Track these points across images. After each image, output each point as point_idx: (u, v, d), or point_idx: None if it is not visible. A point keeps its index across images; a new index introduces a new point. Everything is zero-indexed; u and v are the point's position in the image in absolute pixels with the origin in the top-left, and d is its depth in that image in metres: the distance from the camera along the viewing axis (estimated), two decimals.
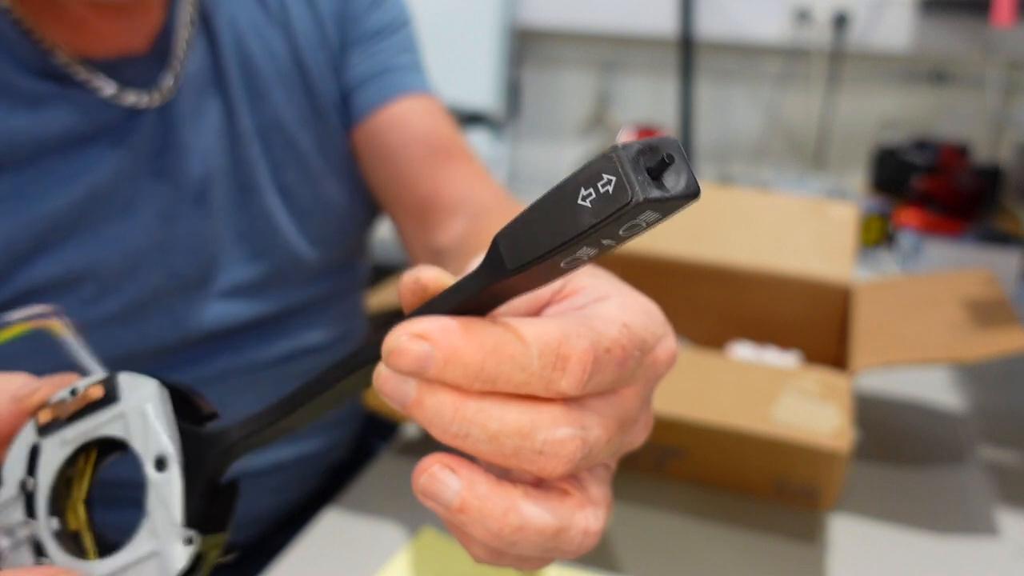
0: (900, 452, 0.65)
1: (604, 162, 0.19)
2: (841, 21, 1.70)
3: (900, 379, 0.75)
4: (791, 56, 1.75)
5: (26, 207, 0.47)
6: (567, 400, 0.24)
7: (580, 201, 0.20)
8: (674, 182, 0.20)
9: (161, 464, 0.28)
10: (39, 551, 0.28)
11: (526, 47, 1.91)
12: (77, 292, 0.49)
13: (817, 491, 0.56)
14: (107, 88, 0.48)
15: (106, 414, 0.29)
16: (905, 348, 0.58)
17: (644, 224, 0.20)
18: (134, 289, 0.51)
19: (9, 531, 0.28)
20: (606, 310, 0.26)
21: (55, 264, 0.48)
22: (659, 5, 1.77)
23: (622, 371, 0.25)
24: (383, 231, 0.67)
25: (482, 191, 0.61)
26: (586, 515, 0.25)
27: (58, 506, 0.29)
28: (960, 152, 1.42)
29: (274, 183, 0.57)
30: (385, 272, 0.77)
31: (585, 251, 0.21)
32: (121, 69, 0.50)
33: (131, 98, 0.49)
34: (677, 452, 0.59)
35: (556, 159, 1.92)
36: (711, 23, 1.76)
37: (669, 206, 0.20)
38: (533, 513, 0.24)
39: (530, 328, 0.23)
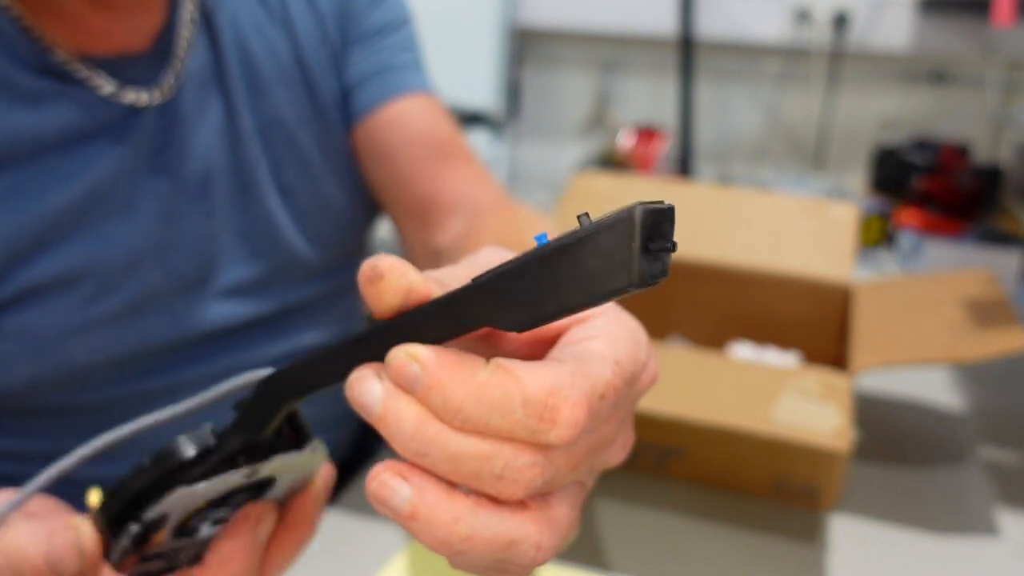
0: (900, 452, 0.65)
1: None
2: (841, 21, 1.70)
3: (900, 379, 0.75)
4: (791, 56, 1.75)
5: (26, 205, 0.47)
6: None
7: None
8: (661, 264, 0.20)
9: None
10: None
11: (526, 47, 1.91)
12: (78, 290, 0.49)
13: (817, 491, 0.56)
14: (107, 86, 0.48)
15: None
16: (905, 348, 0.58)
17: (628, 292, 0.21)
18: (135, 288, 0.51)
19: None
20: (598, 347, 0.25)
21: (56, 262, 0.48)
22: (659, 5, 1.77)
23: (613, 411, 0.25)
24: (383, 231, 0.67)
25: (482, 191, 0.61)
26: (540, 530, 0.24)
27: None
28: (960, 152, 1.42)
29: (274, 182, 0.57)
30: None
31: (580, 307, 0.21)
32: (122, 67, 0.50)
33: (131, 96, 0.49)
34: (677, 452, 0.59)
35: (556, 159, 1.92)
36: (711, 23, 1.76)
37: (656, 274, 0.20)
38: (483, 524, 0.23)
39: (522, 374, 0.23)
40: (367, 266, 0.25)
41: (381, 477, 0.24)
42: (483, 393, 0.23)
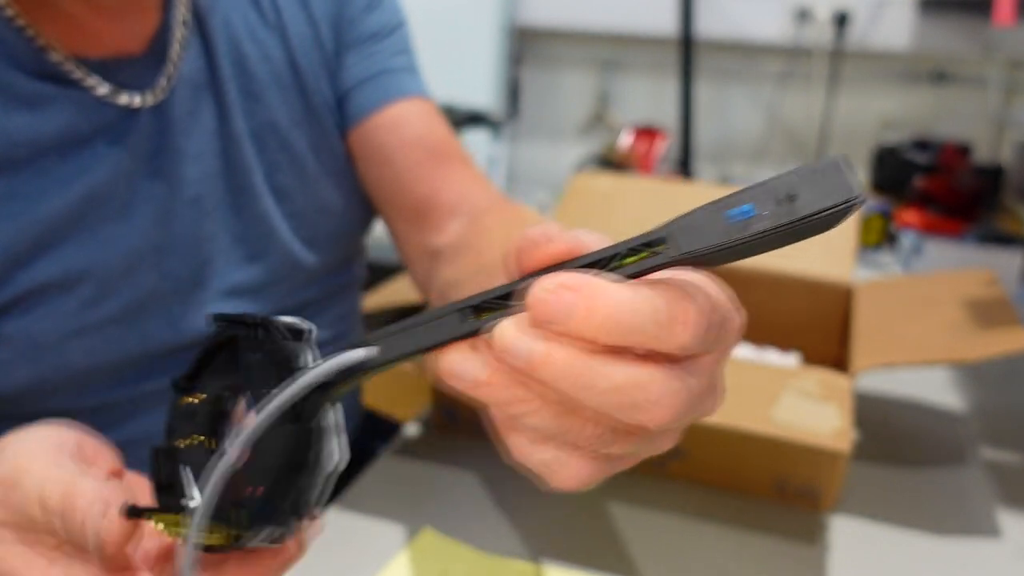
0: (900, 452, 0.65)
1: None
2: (842, 20, 1.69)
3: (900, 379, 0.75)
4: (791, 56, 1.75)
5: (25, 209, 0.46)
6: (671, 359, 0.24)
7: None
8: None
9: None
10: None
11: (526, 46, 1.91)
12: (77, 294, 0.49)
13: (817, 491, 0.56)
14: (101, 88, 0.48)
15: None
16: (906, 349, 0.58)
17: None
18: (133, 290, 0.51)
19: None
20: (695, 278, 0.26)
21: (55, 266, 0.48)
22: (659, 5, 1.77)
23: (720, 333, 0.25)
24: (378, 232, 0.67)
25: (479, 193, 0.61)
26: (671, 383, 0.24)
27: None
28: (961, 152, 1.42)
29: (268, 185, 0.57)
30: (380, 273, 0.77)
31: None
32: (116, 70, 0.49)
33: (124, 98, 0.49)
34: (678, 453, 0.59)
35: (556, 159, 1.92)
36: (711, 23, 1.76)
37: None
38: (611, 370, 0.24)
39: (652, 286, 0.24)
40: (537, 231, 0.25)
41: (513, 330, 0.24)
42: (635, 304, 0.23)
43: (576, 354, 0.23)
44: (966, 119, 1.70)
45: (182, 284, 0.53)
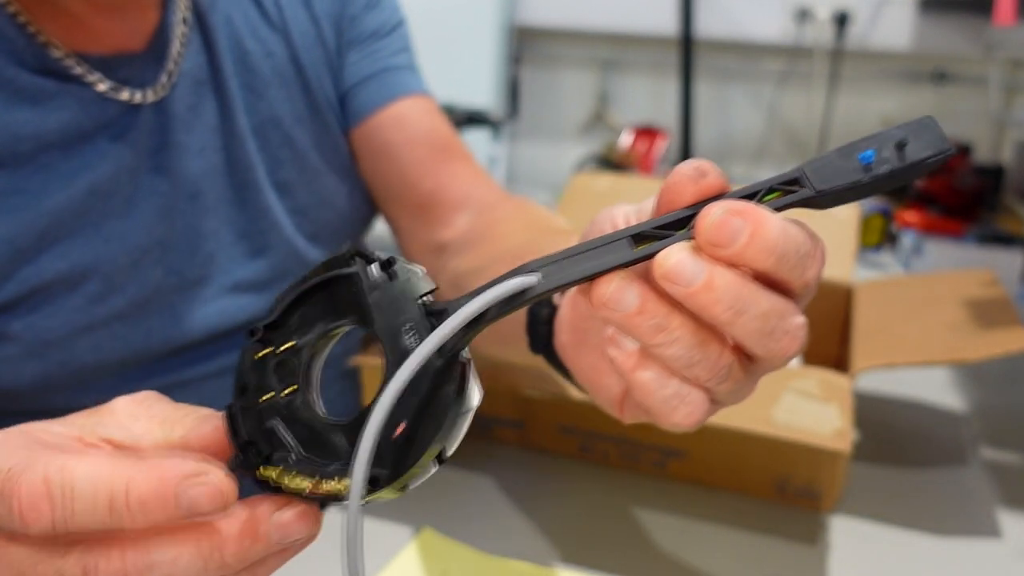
0: (901, 453, 0.65)
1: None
2: (842, 20, 1.69)
3: (901, 379, 0.75)
4: (791, 55, 1.75)
5: (29, 204, 0.47)
6: (792, 294, 0.27)
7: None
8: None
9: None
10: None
11: (525, 46, 1.91)
12: (83, 289, 0.49)
13: (818, 492, 0.56)
14: (102, 84, 0.49)
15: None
16: (906, 349, 0.58)
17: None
18: (138, 286, 0.51)
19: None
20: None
21: (60, 261, 0.48)
22: (659, 4, 1.77)
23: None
24: (377, 230, 0.67)
25: (483, 188, 0.61)
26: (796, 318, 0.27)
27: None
28: (961, 152, 1.42)
29: (271, 181, 0.57)
30: None
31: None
32: (117, 67, 0.50)
33: (125, 95, 0.49)
34: (678, 453, 0.58)
35: (555, 159, 1.92)
36: (711, 22, 1.76)
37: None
38: (761, 296, 0.26)
39: (794, 222, 0.26)
40: (688, 167, 0.27)
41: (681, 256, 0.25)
42: (790, 232, 0.25)
43: (735, 278, 0.25)
44: (966, 119, 1.70)
45: (186, 280, 0.54)
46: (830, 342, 0.72)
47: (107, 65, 0.49)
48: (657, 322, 0.26)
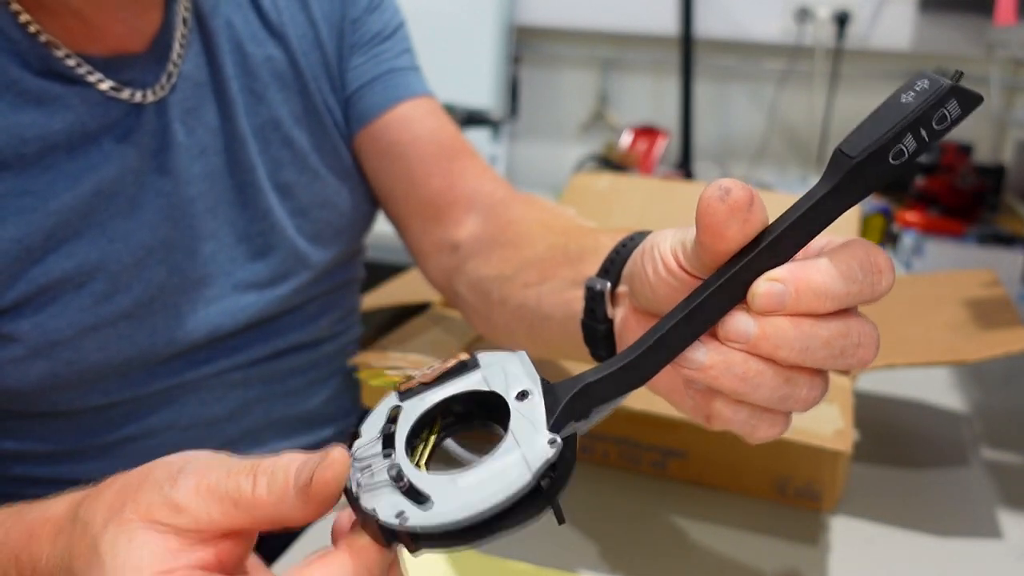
0: (902, 453, 0.65)
1: (917, 75, 0.27)
2: (842, 19, 1.69)
3: (901, 379, 0.75)
4: (792, 55, 1.75)
5: (37, 204, 0.47)
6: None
7: (902, 99, 0.28)
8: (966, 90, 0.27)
9: (523, 396, 0.29)
10: (398, 479, 0.28)
11: (525, 45, 1.91)
12: (89, 289, 0.49)
13: (818, 492, 0.56)
14: (104, 84, 0.49)
15: (466, 379, 0.30)
16: (907, 349, 0.58)
17: (949, 117, 0.27)
18: (143, 285, 0.51)
19: (366, 467, 0.28)
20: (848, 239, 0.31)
21: (67, 261, 0.48)
22: (659, 3, 1.77)
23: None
24: (377, 231, 0.67)
25: (492, 185, 0.62)
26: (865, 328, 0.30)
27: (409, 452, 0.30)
28: (962, 151, 1.42)
29: (272, 182, 0.58)
30: (379, 272, 0.77)
31: (909, 141, 0.27)
32: (119, 68, 0.50)
33: (127, 94, 0.50)
34: (678, 453, 0.58)
35: (555, 158, 1.92)
36: (711, 21, 1.76)
37: (968, 100, 0.27)
38: (818, 329, 0.29)
39: (840, 251, 0.29)
40: (716, 189, 0.28)
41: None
42: (837, 271, 0.28)
43: (786, 322, 0.28)
44: (967, 119, 1.70)
45: (189, 280, 0.54)
46: None
47: (109, 66, 0.49)
48: (736, 373, 0.29)
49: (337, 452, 0.28)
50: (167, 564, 0.27)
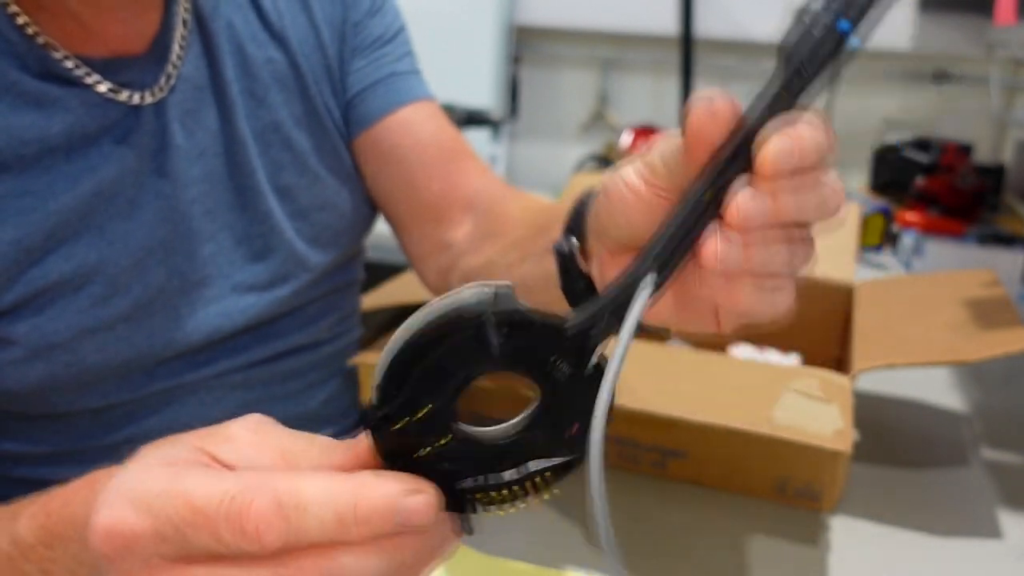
0: (902, 453, 0.65)
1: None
2: None
3: (901, 379, 0.75)
4: None
5: (36, 206, 0.47)
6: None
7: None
8: None
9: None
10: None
11: (525, 45, 1.91)
12: (87, 291, 0.49)
13: (818, 492, 0.56)
14: (102, 86, 0.49)
15: None
16: (907, 349, 0.58)
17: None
18: (142, 288, 0.51)
19: None
20: None
21: (65, 263, 0.48)
22: (659, 4, 1.77)
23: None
24: (376, 232, 0.67)
25: (490, 184, 0.63)
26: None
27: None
28: (962, 152, 1.42)
29: (272, 185, 0.58)
30: (379, 273, 0.77)
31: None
32: (118, 69, 0.50)
33: (125, 95, 0.49)
34: (678, 453, 0.58)
35: (555, 159, 1.92)
36: (711, 21, 1.76)
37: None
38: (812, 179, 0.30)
39: (798, 119, 0.30)
40: (702, 105, 0.30)
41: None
42: (817, 122, 0.29)
43: (788, 184, 0.30)
44: (967, 119, 1.70)
45: (188, 282, 0.54)
46: (830, 342, 0.72)
47: (107, 67, 0.49)
48: (758, 244, 0.31)
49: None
50: (178, 455, 0.28)
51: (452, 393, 0.28)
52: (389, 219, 0.65)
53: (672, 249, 0.30)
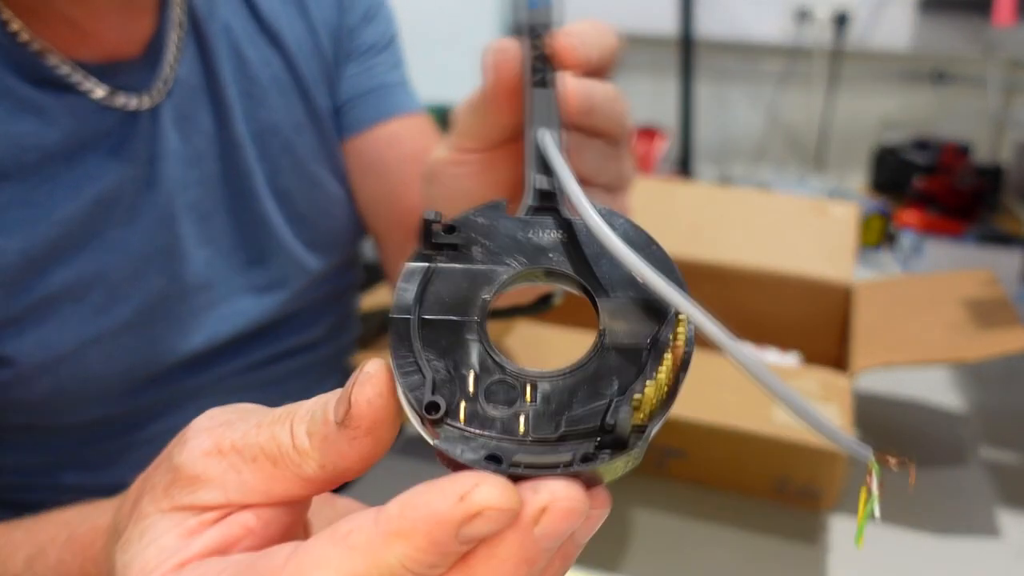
0: (901, 452, 0.65)
1: None
2: (841, 20, 1.69)
3: (900, 379, 0.75)
4: (791, 56, 1.75)
5: (39, 216, 0.46)
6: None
7: None
8: None
9: None
10: None
11: None
12: (88, 300, 0.49)
13: (818, 491, 0.56)
14: (98, 90, 0.48)
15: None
16: (906, 348, 0.58)
17: None
18: (142, 295, 0.51)
19: None
20: None
21: (68, 272, 0.48)
22: (659, 4, 1.77)
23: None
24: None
25: None
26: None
27: None
28: (961, 152, 1.42)
29: (270, 188, 0.57)
30: (376, 272, 0.77)
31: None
32: (113, 74, 0.49)
33: (121, 100, 0.49)
34: (678, 453, 0.58)
35: None
36: (711, 22, 1.76)
37: None
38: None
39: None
40: (491, 50, 0.34)
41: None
42: (584, 23, 0.36)
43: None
44: (966, 119, 1.70)
45: (188, 288, 0.53)
46: (830, 342, 0.72)
47: (102, 72, 0.49)
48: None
49: (372, 365, 0.23)
50: (179, 556, 0.22)
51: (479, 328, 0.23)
52: (369, 227, 0.65)
53: (537, 107, 0.31)
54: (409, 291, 0.24)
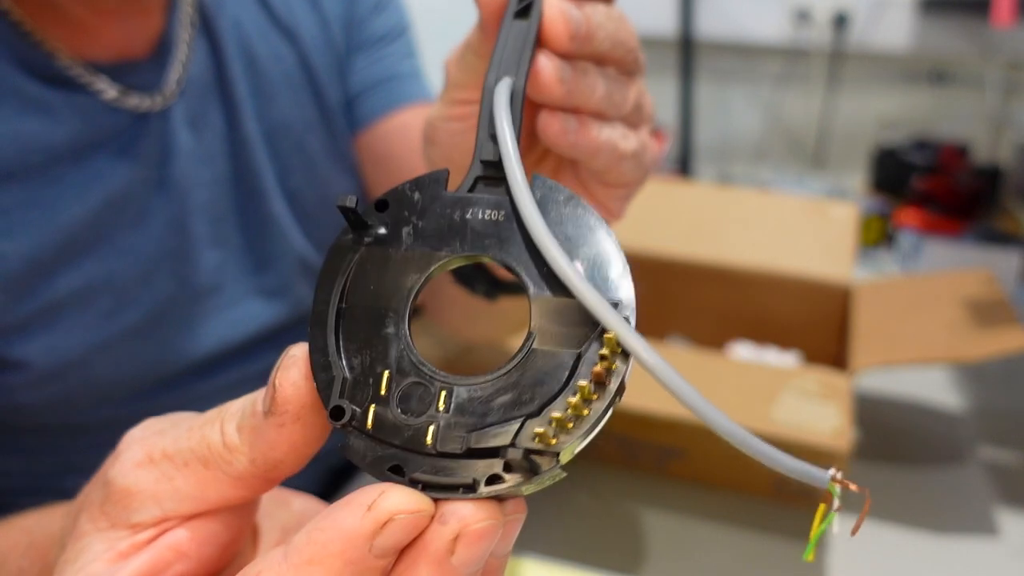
0: (900, 452, 0.65)
1: None
2: (841, 21, 1.69)
3: (900, 379, 0.75)
4: (791, 56, 1.75)
5: (46, 218, 0.46)
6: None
7: None
8: None
9: None
10: None
11: None
12: (96, 305, 0.48)
13: (817, 491, 0.56)
14: (109, 91, 0.48)
15: None
16: (905, 348, 0.58)
17: None
18: (151, 299, 0.50)
19: None
20: None
21: (76, 276, 0.47)
22: (659, 4, 1.77)
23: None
24: None
25: None
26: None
27: None
28: (960, 152, 1.42)
29: (280, 187, 0.56)
30: None
31: None
32: (123, 73, 0.49)
33: (133, 101, 0.49)
34: (678, 452, 0.59)
35: None
36: (711, 23, 1.76)
37: None
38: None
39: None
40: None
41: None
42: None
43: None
44: (965, 120, 1.70)
45: (197, 291, 0.53)
46: (829, 341, 0.72)
47: (112, 72, 0.48)
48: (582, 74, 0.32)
49: (297, 348, 0.22)
50: None
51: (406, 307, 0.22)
52: None
53: (507, 47, 0.28)
54: (329, 278, 0.22)
